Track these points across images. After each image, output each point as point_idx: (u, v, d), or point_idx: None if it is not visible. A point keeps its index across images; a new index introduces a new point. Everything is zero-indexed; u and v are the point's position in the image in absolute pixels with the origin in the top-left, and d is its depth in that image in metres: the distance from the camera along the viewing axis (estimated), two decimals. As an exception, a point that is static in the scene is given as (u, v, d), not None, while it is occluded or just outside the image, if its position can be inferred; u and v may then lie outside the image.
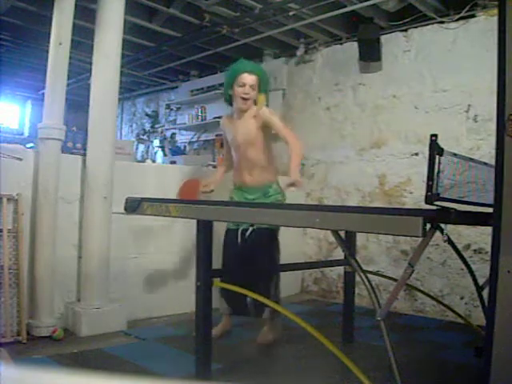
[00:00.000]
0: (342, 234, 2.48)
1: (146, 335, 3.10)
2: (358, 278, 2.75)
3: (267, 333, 2.98)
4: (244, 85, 2.92)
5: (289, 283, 4.62)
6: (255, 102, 3.00)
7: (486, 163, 2.11)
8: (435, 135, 1.67)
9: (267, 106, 3.10)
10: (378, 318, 1.77)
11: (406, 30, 4.17)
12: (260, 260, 2.93)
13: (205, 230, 2.25)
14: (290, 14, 4.04)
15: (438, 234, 1.71)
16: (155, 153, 6.54)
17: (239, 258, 2.96)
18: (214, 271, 2.32)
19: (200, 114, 5.77)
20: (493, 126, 1.52)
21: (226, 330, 3.14)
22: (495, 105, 1.46)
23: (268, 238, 2.96)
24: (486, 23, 3.67)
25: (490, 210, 1.53)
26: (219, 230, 3.07)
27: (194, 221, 2.27)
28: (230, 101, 3.09)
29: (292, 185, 2.66)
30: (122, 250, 3.40)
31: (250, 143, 2.97)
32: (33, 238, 2.99)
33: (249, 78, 2.93)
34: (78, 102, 5.76)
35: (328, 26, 4.41)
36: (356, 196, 4.44)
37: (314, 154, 4.78)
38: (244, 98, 2.93)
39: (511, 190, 1.42)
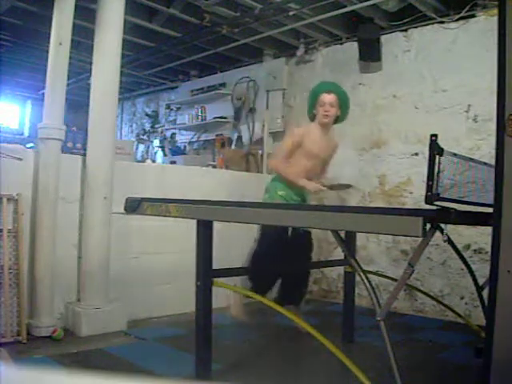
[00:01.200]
0: (342, 234, 2.48)
1: (146, 335, 3.10)
2: (358, 278, 2.75)
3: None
4: (324, 104, 3.20)
5: (289, 283, 4.63)
6: (336, 120, 3.29)
7: (485, 163, 2.11)
8: (435, 135, 1.67)
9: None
10: (378, 318, 1.77)
11: (406, 30, 4.17)
12: (305, 258, 3.38)
13: (205, 229, 2.25)
14: (290, 14, 4.04)
15: (438, 233, 1.71)
16: (155, 153, 6.54)
17: (280, 255, 3.18)
18: (214, 271, 2.32)
19: (200, 113, 5.76)
20: (493, 126, 1.52)
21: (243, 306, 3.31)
22: (495, 105, 1.46)
23: (310, 238, 3.40)
24: (486, 23, 3.67)
25: (490, 209, 1.53)
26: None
27: (194, 221, 2.27)
28: (312, 118, 3.35)
29: (319, 191, 3.25)
30: (122, 249, 3.40)
31: (325, 159, 3.35)
32: (33, 238, 2.99)
33: (328, 98, 3.20)
34: (77, 102, 5.77)
35: (328, 26, 4.41)
36: (356, 196, 4.44)
37: (314, 154, 4.77)
38: (325, 115, 3.21)
39: (511, 190, 1.42)
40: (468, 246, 3.67)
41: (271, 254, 3.16)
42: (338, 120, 3.30)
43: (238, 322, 3.39)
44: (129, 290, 3.42)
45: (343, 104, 3.26)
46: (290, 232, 3.28)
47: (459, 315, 2.87)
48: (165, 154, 6.22)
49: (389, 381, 1.79)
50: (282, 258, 3.20)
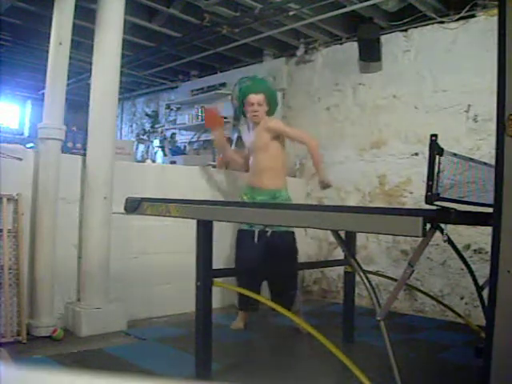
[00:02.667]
0: (342, 234, 2.48)
1: (146, 335, 3.10)
2: (358, 278, 2.75)
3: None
4: (252, 104, 3.34)
5: (289, 283, 4.62)
6: (267, 113, 3.43)
7: (485, 163, 2.11)
8: (435, 135, 1.67)
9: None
10: (378, 318, 1.77)
11: (406, 30, 4.17)
12: (287, 260, 3.32)
13: (205, 229, 2.25)
14: (290, 14, 4.04)
15: (438, 234, 1.71)
16: (155, 153, 6.53)
17: (257, 258, 3.21)
18: (214, 271, 2.32)
19: (200, 114, 5.76)
20: (493, 126, 1.52)
21: (246, 322, 3.38)
22: (495, 105, 1.46)
23: (291, 239, 3.34)
24: (486, 23, 3.67)
25: (490, 209, 1.53)
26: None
27: (194, 221, 2.27)
28: (244, 115, 3.53)
29: (325, 185, 3.26)
30: (122, 249, 3.40)
31: (262, 151, 3.37)
32: (33, 238, 2.99)
33: (255, 99, 3.34)
34: (78, 102, 5.77)
35: (328, 25, 4.41)
36: (356, 196, 4.44)
37: (314, 154, 4.78)
38: (254, 115, 3.37)
39: (511, 190, 1.42)
40: (468, 246, 3.67)
41: (246, 258, 3.24)
42: (269, 114, 3.46)
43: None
44: (129, 290, 3.42)
45: (271, 100, 3.43)
46: (268, 235, 3.24)
47: (459, 315, 2.87)
48: (165, 154, 6.22)
49: (389, 381, 1.79)
50: (259, 261, 3.21)
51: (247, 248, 3.26)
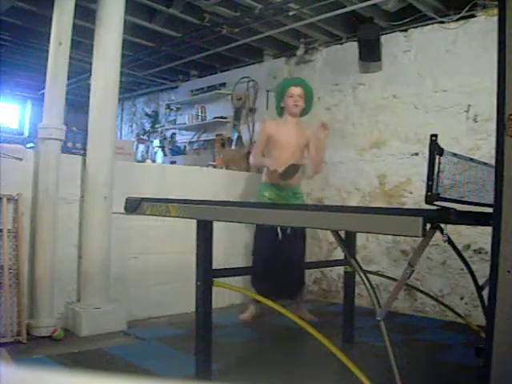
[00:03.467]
0: (342, 234, 2.48)
1: (146, 335, 3.10)
2: (357, 278, 2.75)
3: (306, 313, 3.54)
4: (292, 95, 3.46)
5: (289, 283, 4.62)
6: (301, 113, 3.55)
7: (485, 163, 2.11)
8: (435, 135, 1.67)
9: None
10: (378, 318, 1.77)
11: (405, 30, 4.17)
12: (299, 254, 3.48)
13: (205, 229, 2.25)
14: (290, 14, 4.03)
15: (438, 234, 1.71)
16: (155, 153, 6.54)
17: (278, 255, 3.36)
18: (214, 271, 2.32)
19: (200, 113, 5.76)
20: (493, 125, 1.52)
21: (255, 315, 3.52)
22: (495, 105, 1.46)
23: (302, 235, 3.50)
24: (486, 23, 3.67)
25: (490, 209, 1.53)
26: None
27: (194, 221, 2.27)
28: (281, 113, 3.59)
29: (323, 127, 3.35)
30: (122, 250, 3.40)
31: (297, 147, 3.48)
32: (33, 238, 2.99)
33: (296, 90, 3.47)
34: (78, 102, 5.78)
35: (328, 26, 4.41)
36: (356, 196, 4.44)
37: (314, 154, 4.78)
38: (295, 105, 3.47)
39: (511, 190, 1.42)
40: (468, 246, 3.67)
41: (265, 256, 3.34)
42: (303, 113, 3.57)
43: (238, 323, 3.40)
44: (129, 290, 3.42)
45: (309, 97, 3.54)
46: (280, 232, 3.38)
47: (459, 315, 2.87)
48: (165, 154, 6.22)
49: (389, 381, 1.79)
50: (276, 258, 3.35)
51: (269, 245, 3.37)
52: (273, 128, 3.52)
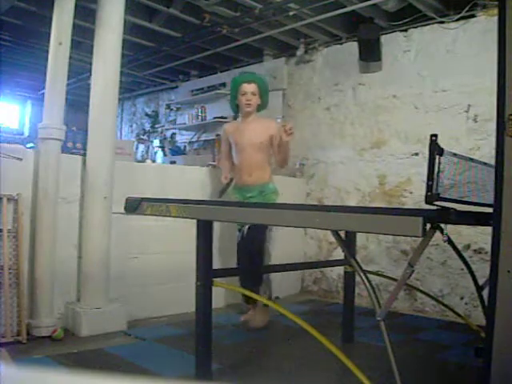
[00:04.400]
0: (342, 234, 2.48)
1: (146, 335, 3.10)
2: (358, 278, 2.75)
3: (258, 317, 3.34)
4: (245, 93, 3.35)
5: (289, 283, 4.63)
6: (258, 107, 3.42)
7: (485, 163, 2.11)
8: (435, 135, 1.67)
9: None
10: (378, 318, 1.77)
11: (405, 30, 4.17)
12: (254, 250, 3.31)
13: (205, 229, 2.25)
14: (290, 14, 4.03)
15: (437, 234, 1.71)
16: (155, 153, 6.54)
17: (244, 254, 3.37)
18: (214, 271, 2.32)
19: (200, 113, 5.77)
20: (493, 125, 1.52)
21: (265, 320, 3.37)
22: (495, 105, 1.46)
23: (259, 230, 3.31)
24: (486, 23, 3.67)
25: (490, 209, 1.53)
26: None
27: (194, 221, 2.27)
28: (236, 110, 3.53)
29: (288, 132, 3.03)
30: (122, 249, 3.40)
31: (255, 146, 3.34)
32: (33, 238, 2.99)
33: (248, 87, 3.35)
34: (78, 102, 5.77)
35: (328, 26, 4.41)
36: (356, 196, 4.44)
37: (313, 154, 4.78)
38: (247, 104, 3.36)
39: (511, 190, 1.42)
40: (468, 246, 3.67)
41: (237, 252, 3.42)
42: (260, 108, 3.44)
43: (238, 323, 3.40)
44: (129, 290, 3.42)
45: (263, 92, 3.42)
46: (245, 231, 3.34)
47: (459, 315, 2.87)
48: (165, 154, 6.23)
49: (389, 381, 1.79)
50: (241, 252, 3.39)
51: (239, 246, 3.43)
52: (230, 130, 3.49)
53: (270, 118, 3.50)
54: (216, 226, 2.95)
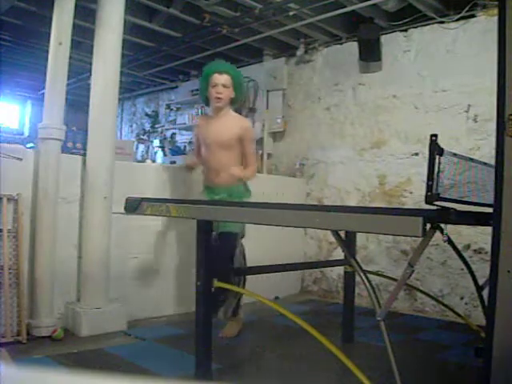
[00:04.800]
0: (342, 234, 2.48)
1: (146, 335, 3.10)
2: (358, 278, 2.75)
3: (231, 327, 3.15)
4: (216, 85, 3.03)
5: (289, 283, 4.63)
6: (231, 101, 3.13)
7: (485, 163, 2.11)
8: (435, 135, 1.67)
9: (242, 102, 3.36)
10: (378, 318, 1.77)
11: (405, 30, 4.17)
12: (225, 255, 3.04)
13: (205, 230, 2.25)
14: (290, 14, 4.03)
15: (438, 234, 1.71)
16: (155, 153, 6.54)
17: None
18: (214, 271, 2.32)
19: (200, 113, 5.77)
20: (493, 125, 1.52)
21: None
22: (495, 105, 1.46)
23: (230, 238, 3.05)
24: (486, 23, 3.67)
25: (490, 209, 1.53)
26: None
27: (194, 221, 2.27)
28: (207, 102, 3.22)
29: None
30: (122, 249, 3.40)
31: (222, 144, 3.07)
32: (33, 238, 2.99)
33: (220, 79, 3.03)
34: (78, 102, 5.77)
35: (328, 26, 4.41)
36: (356, 196, 4.44)
37: (313, 154, 4.78)
38: (218, 98, 3.05)
39: (511, 190, 1.42)
40: (468, 246, 3.67)
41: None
42: (233, 102, 3.14)
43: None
44: (129, 290, 3.42)
45: (237, 85, 3.09)
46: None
47: (459, 315, 2.87)
48: (165, 154, 6.23)
49: (389, 381, 1.79)
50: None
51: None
52: (200, 124, 3.27)
53: (243, 117, 3.28)
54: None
